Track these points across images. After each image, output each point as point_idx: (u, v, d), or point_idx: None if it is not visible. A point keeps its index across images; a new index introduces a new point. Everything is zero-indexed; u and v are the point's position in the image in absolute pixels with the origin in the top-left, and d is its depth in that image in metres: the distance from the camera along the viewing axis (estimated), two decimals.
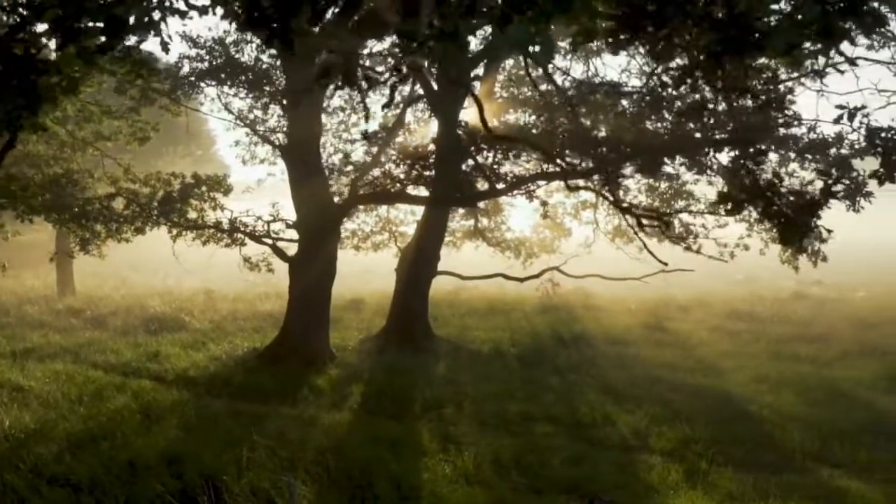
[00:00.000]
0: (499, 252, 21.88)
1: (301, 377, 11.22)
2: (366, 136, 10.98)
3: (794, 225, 4.26)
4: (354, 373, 11.72)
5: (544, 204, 12.14)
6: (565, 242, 21.98)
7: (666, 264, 12.34)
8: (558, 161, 10.11)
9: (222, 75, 13.55)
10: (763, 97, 7.94)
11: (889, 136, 7.51)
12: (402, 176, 11.59)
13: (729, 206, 4.90)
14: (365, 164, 12.00)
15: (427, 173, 10.57)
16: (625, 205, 10.92)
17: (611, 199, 10.44)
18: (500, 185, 11.15)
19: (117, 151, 18.92)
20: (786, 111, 9.46)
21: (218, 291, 21.55)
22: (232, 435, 7.76)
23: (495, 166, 10.89)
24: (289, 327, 12.67)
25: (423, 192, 13.60)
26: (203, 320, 17.12)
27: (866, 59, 11.85)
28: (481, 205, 19.70)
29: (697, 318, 18.16)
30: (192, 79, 14.06)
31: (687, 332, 16.21)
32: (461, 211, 20.53)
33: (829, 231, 14.73)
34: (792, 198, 4.38)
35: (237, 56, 13.49)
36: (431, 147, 11.76)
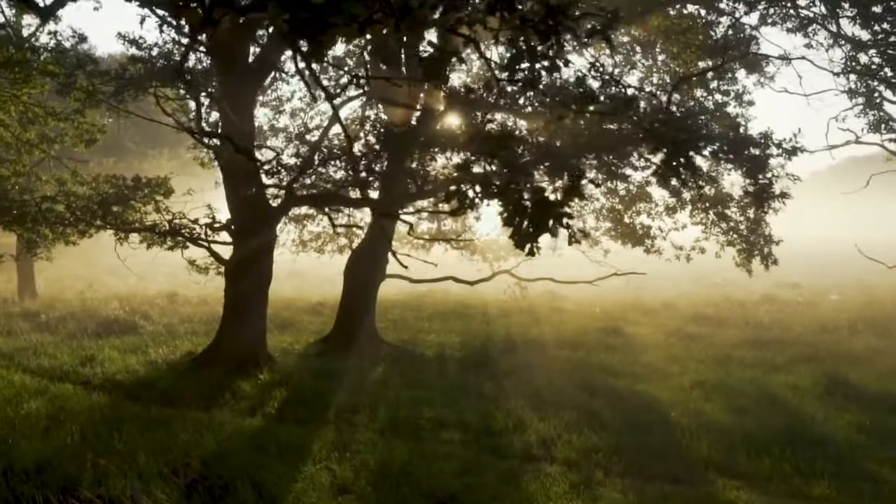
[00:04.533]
0: (467, 255, 21.76)
1: (227, 381, 11.06)
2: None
3: (530, 226, 4.00)
4: (285, 377, 11.53)
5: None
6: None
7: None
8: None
9: (163, 77, 13.45)
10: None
11: (672, 130, 7.13)
12: (334, 177, 11.44)
13: (456, 204, 4.64)
14: (299, 164, 11.84)
15: (349, 175, 10.41)
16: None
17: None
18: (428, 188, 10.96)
19: (94, 154, 18.89)
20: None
21: (183, 294, 21.48)
22: (117, 441, 7.61)
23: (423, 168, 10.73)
24: (224, 331, 12.53)
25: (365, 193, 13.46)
26: (158, 323, 17.05)
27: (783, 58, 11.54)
28: (446, 207, 19.58)
29: (659, 321, 17.89)
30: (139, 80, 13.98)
31: (643, 336, 15.96)
32: (425, 214, 20.42)
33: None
34: (529, 195, 4.13)
35: (177, 58, 13.37)
36: (361, 147, 11.61)
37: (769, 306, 19.80)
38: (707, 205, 14.45)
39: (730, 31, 14.91)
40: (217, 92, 12.10)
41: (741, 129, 10.65)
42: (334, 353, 13.43)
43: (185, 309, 19.08)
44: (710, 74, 16.37)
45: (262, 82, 12.15)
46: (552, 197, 4.22)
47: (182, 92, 13.46)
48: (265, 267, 12.51)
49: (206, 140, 12.06)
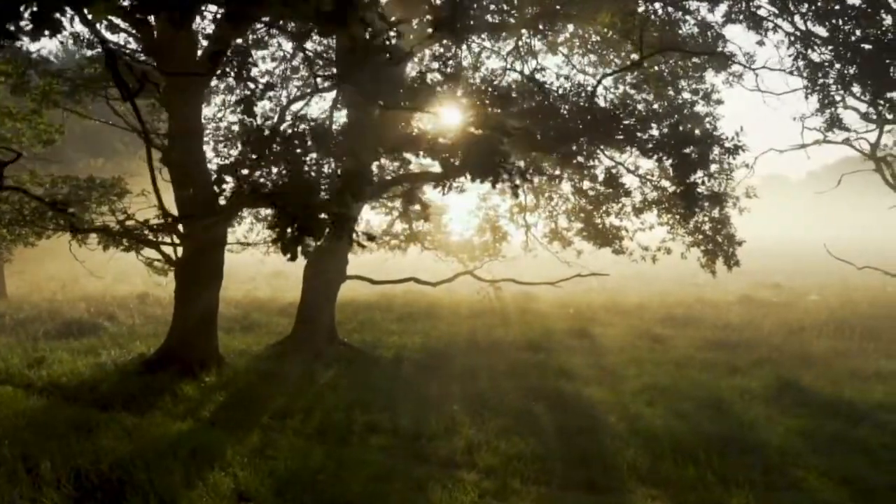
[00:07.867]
0: (442, 255, 21.62)
1: (171, 384, 10.92)
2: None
3: (296, 231, 3.79)
4: (230, 380, 11.39)
5: (425, 207, 11.81)
6: (507, 246, 21.63)
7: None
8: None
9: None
10: None
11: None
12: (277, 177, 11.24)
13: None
14: (247, 163, 11.65)
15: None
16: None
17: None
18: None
19: (82, 155, 18.63)
20: None
21: (154, 295, 21.37)
22: (6, 447, 7.43)
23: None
24: (173, 333, 12.41)
25: None
26: (122, 324, 16.96)
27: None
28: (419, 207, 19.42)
29: (631, 322, 17.64)
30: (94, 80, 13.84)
31: (609, 338, 15.72)
32: (395, 214, 20.25)
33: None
34: (301, 199, 3.94)
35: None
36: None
37: (743, 307, 19.51)
38: (669, 204, 14.23)
39: (696, 30, 14.71)
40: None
41: (680, 128, 10.39)
42: (291, 354, 13.28)
43: (153, 310, 18.97)
44: (680, 72, 16.17)
45: (208, 82, 11.99)
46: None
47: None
48: (214, 267, 12.36)
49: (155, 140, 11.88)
